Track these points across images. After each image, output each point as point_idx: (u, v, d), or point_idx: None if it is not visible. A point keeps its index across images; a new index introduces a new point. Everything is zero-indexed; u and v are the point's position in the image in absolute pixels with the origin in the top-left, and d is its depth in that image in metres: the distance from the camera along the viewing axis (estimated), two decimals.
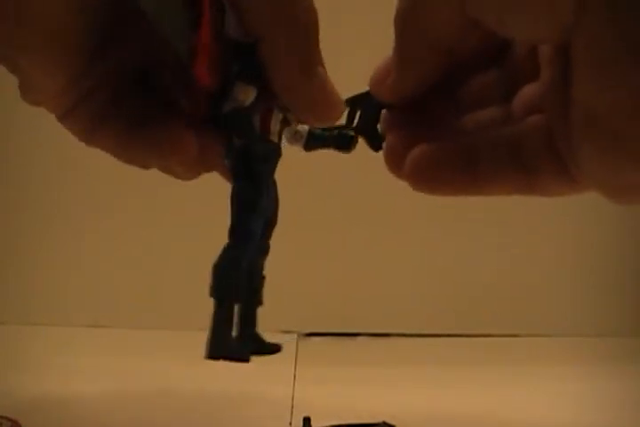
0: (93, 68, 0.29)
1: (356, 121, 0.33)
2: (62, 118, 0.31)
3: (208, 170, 0.32)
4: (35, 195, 0.66)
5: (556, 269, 0.67)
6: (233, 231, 0.29)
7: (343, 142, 0.33)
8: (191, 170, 0.32)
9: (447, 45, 0.27)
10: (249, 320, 0.32)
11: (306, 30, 0.28)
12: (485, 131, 0.29)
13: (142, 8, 0.27)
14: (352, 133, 0.33)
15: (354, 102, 0.32)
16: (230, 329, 0.30)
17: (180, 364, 0.58)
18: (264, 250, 0.32)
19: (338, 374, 0.57)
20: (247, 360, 0.29)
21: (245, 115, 0.30)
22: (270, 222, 0.32)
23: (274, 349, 0.32)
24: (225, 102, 0.29)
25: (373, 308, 0.66)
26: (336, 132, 0.33)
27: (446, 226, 0.66)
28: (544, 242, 0.66)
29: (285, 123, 0.32)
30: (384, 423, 0.46)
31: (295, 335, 0.63)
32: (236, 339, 0.30)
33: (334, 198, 0.65)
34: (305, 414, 0.46)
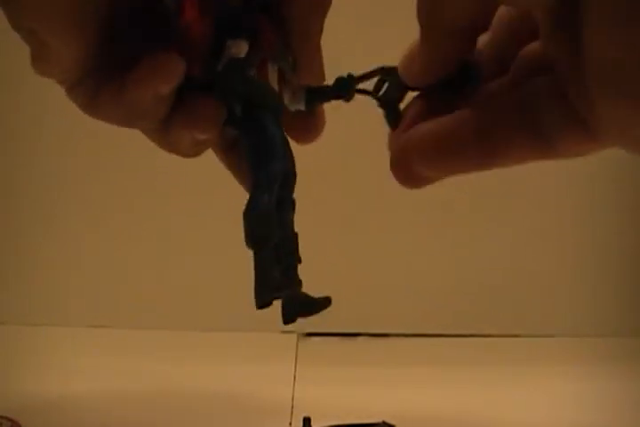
0: (105, 44, 0.30)
1: (381, 92, 0.33)
2: (71, 90, 0.31)
3: (206, 134, 0.31)
4: (35, 195, 0.66)
5: (557, 270, 0.67)
6: (256, 179, 0.29)
7: (342, 87, 0.32)
8: (177, 136, 0.32)
9: (469, 25, 0.27)
10: (292, 280, 0.31)
11: None
12: (494, 99, 0.28)
13: None
14: (347, 76, 0.33)
15: (385, 73, 0.32)
16: (274, 273, 0.29)
17: (180, 364, 0.58)
18: (290, 205, 0.31)
19: (338, 374, 0.57)
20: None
21: (241, 64, 0.30)
22: (290, 175, 0.31)
23: (323, 304, 0.32)
24: (218, 62, 0.29)
25: (373, 308, 0.66)
26: (333, 82, 0.33)
27: (446, 226, 0.66)
28: (544, 242, 0.66)
29: (281, 75, 0.32)
30: (384, 423, 0.46)
31: (295, 335, 0.63)
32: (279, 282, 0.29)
33: (334, 199, 0.65)
34: (305, 414, 0.46)
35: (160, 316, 0.66)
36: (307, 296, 0.32)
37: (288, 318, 0.31)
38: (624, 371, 0.59)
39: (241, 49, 0.30)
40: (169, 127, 0.31)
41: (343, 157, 0.59)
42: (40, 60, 0.30)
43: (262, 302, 0.29)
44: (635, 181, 0.65)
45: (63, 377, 0.55)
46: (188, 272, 0.66)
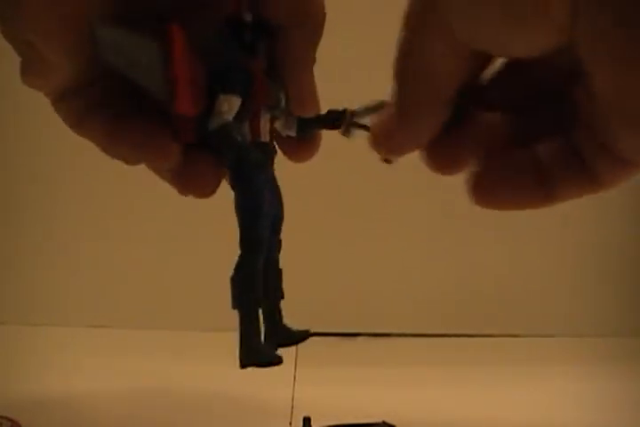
0: (98, 63, 0.30)
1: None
2: (57, 103, 0.31)
3: (202, 190, 0.32)
4: (35, 195, 0.66)
5: (557, 270, 0.67)
6: (242, 241, 0.30)
7: (333, 119, 0.33)
8: (185, 185, 0.32)
9: (452, 83, 0.27)
10: (274, 316, 0.32)
11: (317, 25, 0.31)
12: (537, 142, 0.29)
13: (111, 65, 0.28)
14: (341, 109, 0.33)
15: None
16: (258, 336, 0.31)
17: (180, 364, 0.58)
18: (276, 246, 0.33)
19: (338, 374, 0.57)
20: (279, 363, 0.30)
21: (232, 128, 0.30)
22: (278, 219, 0.33)
23: (302, 336, 0.33)
24: (210, 119, 0.30)
25: (373, 308, 0.66)
26: (325, 112, 0.33)
27: (446, 226, 0.66)
28: (544, 242, 0.66)
29: (273, 120, 0.32)
30: (384, 423, 0.46)
31: None
32: (265, 343, 0.31)
33: (334, 199, 0.65)
34: (305, 414, 0.46)
35: (160, 316, 0.66)
36: (287, 329, 0.33)
37: (246, 362, 0.32)
38: (624, 371, 0.59)
39: (233, 105, 0.30)
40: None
41: (345, 158, 0.59)
42: (32, 73, 0.30)
43: (244, 366, 0.31)
44: (635, 181, 0.65)
45: (63, 377, 0.55)
46: (188, 272, 0.66)
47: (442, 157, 0.29)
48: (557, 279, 0.67)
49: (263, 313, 0.31)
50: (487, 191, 0.29)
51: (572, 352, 0.63)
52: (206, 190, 0.32)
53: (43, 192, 0.65)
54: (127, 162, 0.32)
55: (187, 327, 0.64)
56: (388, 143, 0.29)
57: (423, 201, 0.64)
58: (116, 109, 0.31)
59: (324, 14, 0.31)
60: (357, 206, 0.65)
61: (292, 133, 0.34)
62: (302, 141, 0.34)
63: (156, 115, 0.30)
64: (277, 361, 0.30)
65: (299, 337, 0.33)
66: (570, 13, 0.22)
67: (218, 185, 0.32)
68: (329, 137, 0.34)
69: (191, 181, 0.32)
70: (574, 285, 0.67)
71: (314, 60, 0.32)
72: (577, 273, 0.67)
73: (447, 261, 0.67)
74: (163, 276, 0.66)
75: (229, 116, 0.30)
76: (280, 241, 0.33)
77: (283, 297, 0.33)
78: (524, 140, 0.29)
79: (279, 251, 0.33)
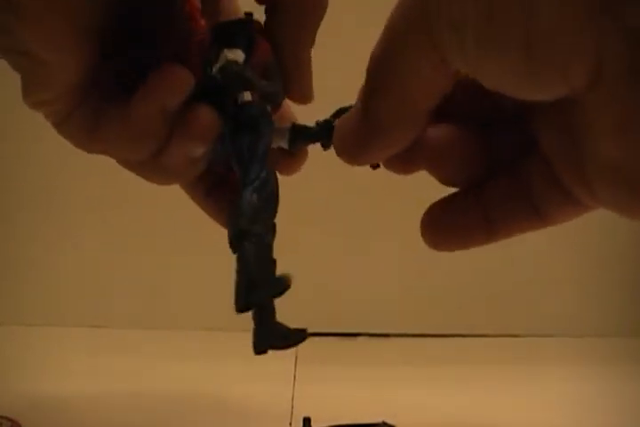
0: (100, 65, 0.30)
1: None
2: (61, 124, 0.31)
3: (202, 146, 0.31)
4: (34, 195, 0.66)
5: (557, 269, 0.67)
6: (245, 178, 0.30)
7: (325, 133, 0.32)
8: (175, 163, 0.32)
9: (429, 106, 0.26)
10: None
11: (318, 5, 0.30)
12: (491, 186, 0.29)
13: None
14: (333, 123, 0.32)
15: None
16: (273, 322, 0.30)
17: (179, 364, 0.58)
18: (271, 228, 0.31)
19: (338, 374, 0.57)
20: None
21: (238, 66, 0.29)
22: (274, 199, 0.31)
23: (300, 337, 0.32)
24: (215, 65, 0.29)
25: (373, 308, 0.66)
26: (318, 124, 0.33)
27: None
28: (544, 242, 0.66)
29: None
30: (384, 423, 0.46)
31: None
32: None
33: (333, 199, 0.65)
34: (305, 415, 0.46)
35: (160, 316, 0.66)
36: (284, 327, 0.31)
37: (259, 349, 0.31)
38: (624, 371, 0.59)
39: (237, 55, 0.30)
40: (165, 147, 0.31)
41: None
42: (33, 87, 0.29)
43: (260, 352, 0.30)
44: None
45: (63, 377, 0.55)
46: (188, 272, 0.66)
47: (397, 161, 0.29)
48: (558, 279, 0.67)
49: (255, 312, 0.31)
50: (437, 233, 0.29)
51: (572, 352, 0.63)
52: (196, 155, 0.31)
53: (42, 192, 0.65)
54: (142, 160, 0.31)
55: (187, 327, 0.64)
56: (354, 152, 0.28)
57: (423, 201, 0.64)
58: (120, 102, 0.30)
59: None
60: (357, 206, 0.65)
61: (285, 145, 0.33)
62: (289, 156, 0.34)
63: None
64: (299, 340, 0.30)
65: (295, 338, 0.32)
66: (588, 81, 0.21)
67: (205, 155, 0.31)
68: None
69: (183, 142, 0.31)
70: (574, 285, 0.67)
71: (312, 42, 0.31)
72: (577, 273, 0.67)
73: (447, 261, 0.67)
74: (162, 276, 0.66)
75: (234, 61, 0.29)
76: (274, 225, 0.32)
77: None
78: (477, 164, 0.29)
79: (274, 235, 0.32)
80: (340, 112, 0.31)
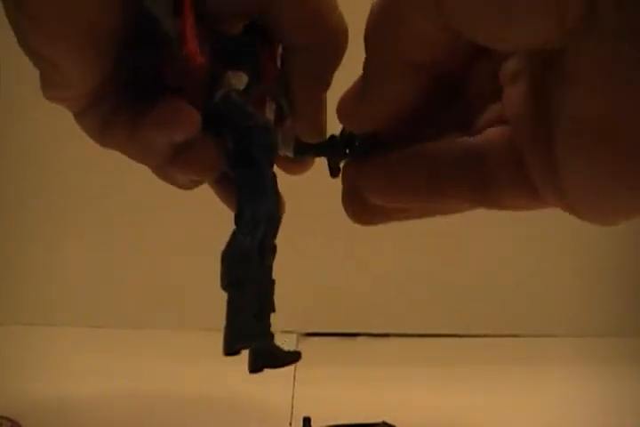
0: (117, 72, 0.29)
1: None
2: (79, 116, 0.31)
3: (205, 172, 0.31)
4: (34, 195, 0.66)
5: (557, 269, 0.67)
6: (239, 218, 0.29)
7: (330, 150, 0.32)
8: (189, 170, 0.32)
9: (424, 62, 0.25)
10: (263, 325, 0.30)
11: (337, 47, 0.28)
12: (446, 143, 0.28)
13: None
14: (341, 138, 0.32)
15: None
16: (246, 318, 0.28)
17: (179, 364, 0.58)
18: (271, 249, 0.31)
19: (338, 374, 0.57)
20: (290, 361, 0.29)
21: (239, 96, 0.29)
22: (274, 219, 0.31)
23: (293, 358, 0.31)
24: (217, 92, 0.29)
25: (373, 308, 0.66)
26: (328, 139, 0.32)
27: (446, 225, 0.65)
28: (544, 242, 0.66)
29: (279, 114, 0.31)
30: (384, 423, 0.46)
31: (295, 335, 0.63)
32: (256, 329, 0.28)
33: (333, 199, 0.65)
34: (305, 415, 0.46)
35: (160, 316, 0.66)
36: (276, 348, 0.30)
37: (253, 368, 0.30)
38: (625, 371, 0.59)
39: (241, 81, 0.29)
40: (169, 166, 0.31)
41: None
42: (51, 87, 0.29)
43: (231, 350, 0.28)
44: None
45: (63, 377, 0.55)
46: (188, 272, 0.66)
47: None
48: (558, 279, 0.67)
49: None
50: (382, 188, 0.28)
51: (573, 352, 0.63)
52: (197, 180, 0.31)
53: (42, 192, 0.65)
54: (155, 159, 0.31)
55: (187, 327, 0.64)
56: (351, 111, 0.28)
57: None
58: (131, 110, 0.30)
59: (346, 34, 0.29)
60: None
61: (290, 154, 0.32)
62: (295, 161, 0.33)
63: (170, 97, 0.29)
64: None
65: (288, 359, 0.31)
66: (582, 17, 0.20)
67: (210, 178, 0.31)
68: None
69: (183, 172, 0.31)
70: (575, 285, 0.67)
71: (328, 85, 0.30)
72: (577, 273, 0.67)
73: (447, 261, 0.67)
74: (162, 276, 0.66)
75: (238, 87, 0.29)
76: (275, 247, 0.31)
77: (274, 310, 0.30)
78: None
79: (274, 256, 0.31)
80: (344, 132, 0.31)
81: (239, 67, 0.29)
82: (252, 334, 0.28)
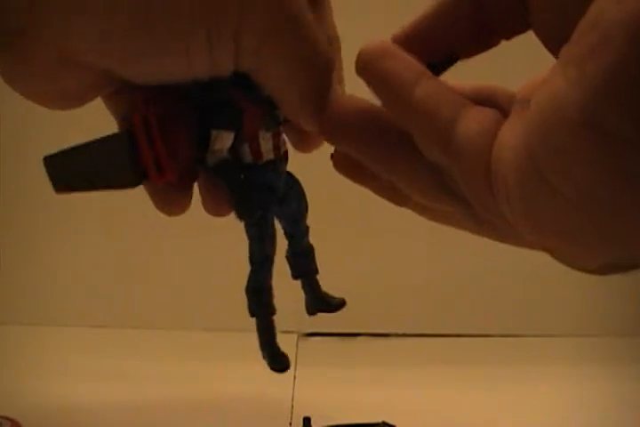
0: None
1: None
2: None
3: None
4: (35, 195, 0.66)
5: (557, 270, 0.66)
6: (251, 259, 0.33)
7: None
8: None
9: None
10: (313, 288, 0.37)
11: (323, 78, 0.28)
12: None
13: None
14: None
15: None
16: (273, 341, 0.34)
17: (179, 364, 0.58)
18: (305, 232, 0.36)
19: (338, 374, 0.57)
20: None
21: (230, 166, 0.31)
22: (299, 213, 0.34)
23: (340, 304, 0.39)
24: (207, 155, 0.30)
25: (373, 308, 0.66)
26: None
27: (446, 226, 0.65)
28: None
29: (275, 130, 0.32)
30: (384, 423, 0.46)
31: (295, 335, 0.63)
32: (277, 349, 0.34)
33: (334, 199, 0.65)
34: (305, 414, 0.46)
35: (160, 316, 0.66)
36: (327, 297, 0.38)
37: (310, 312, 0.36)
38: (625, 371, 0.59)
39: (225, 141, 0.30)
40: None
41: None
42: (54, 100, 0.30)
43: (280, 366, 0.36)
44: None
45: (63, 377, 0.55)
46: (188, 272, 0.66)
47: None
48: (558, 279, 0.67)
49: (303, 287, 0.36)
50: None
51: (573, 352, 0.63)
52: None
53: (42, 193, 0.65)
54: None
55: (187, 327, 0.64)
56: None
57: None
58: None
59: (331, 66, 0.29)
60: (357, 206, 0.65)
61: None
62: (306, 135, 0.33)
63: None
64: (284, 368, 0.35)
65: (337, 305, 0.38)
66: None
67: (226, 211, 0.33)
68: None
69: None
70: (574, 285, 0.67)
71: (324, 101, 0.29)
72: (578, 273, 0.67)
73: (447, 261, 0.67)
74: (162, 276, 0.66)
75: (224, 153, 0.30)
76: (308, 227, 0.35)
77: (317, 272, 0.37)
78: None
79: (308, 235, 0.36)
80: None
81: (221, 122, 0.30)
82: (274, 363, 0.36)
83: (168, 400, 0.53)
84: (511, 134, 0.22)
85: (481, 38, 0.26)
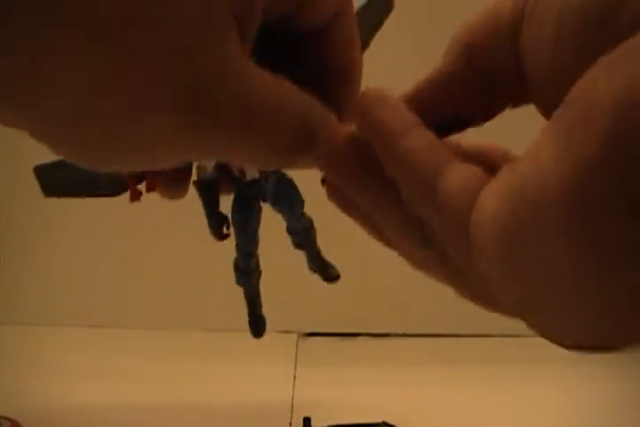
0: None
1: None
2: None
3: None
4: (35, 196, 0.65)
5: None
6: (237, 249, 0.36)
7: None
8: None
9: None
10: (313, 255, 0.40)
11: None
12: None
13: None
14: None
15: None
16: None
17: (179, 364, 0.58)
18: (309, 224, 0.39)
19: (338, 374, 0.57)
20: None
21: (212, 185, 0.34)
22: (294, 216, 0.37)
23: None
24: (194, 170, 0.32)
25: (373, 308, 0.66)
26: None
27: None
28: None
29: None
30: (384, 423, 0.46)
31: (295, 335, 0.63)
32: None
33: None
34: (305, 414, 0.46)
35: (160, 316, 0.66)
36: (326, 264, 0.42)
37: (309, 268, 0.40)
38: (625, 371, 0.59)
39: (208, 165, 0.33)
40: None
41: None
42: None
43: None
44: None
45: (63, 377, 0.55)
46: (188, 272, 0.66)
47: None
48: None
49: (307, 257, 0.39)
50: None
51: (573, 352, 0.63)
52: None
53: (42, 193, 0.65)
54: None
55: (187, 327, 0.64)
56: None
57: None
58: None
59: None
60: None
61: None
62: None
63: None
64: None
65: (330, 277, 0.42)
66: None
67: None
68: None
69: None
70: None
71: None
72: None
73: None
74: (163, 276, 0.66)
75: (209, 170, 0.33)
76: (312, 221, 0.38)
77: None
78: None
79: (311, 231, 0.39)
80: None
81: None
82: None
83: (168, 400, 0.53)
84: (490, 200, 0.22)
85: (487, 105, 0.26)
